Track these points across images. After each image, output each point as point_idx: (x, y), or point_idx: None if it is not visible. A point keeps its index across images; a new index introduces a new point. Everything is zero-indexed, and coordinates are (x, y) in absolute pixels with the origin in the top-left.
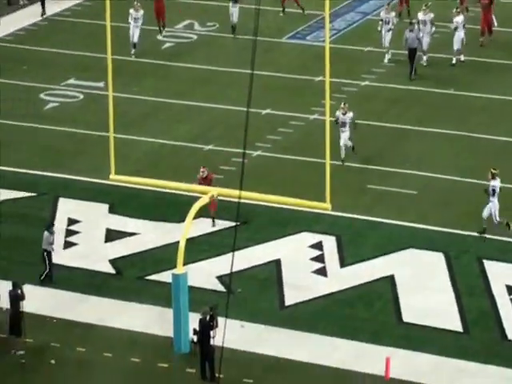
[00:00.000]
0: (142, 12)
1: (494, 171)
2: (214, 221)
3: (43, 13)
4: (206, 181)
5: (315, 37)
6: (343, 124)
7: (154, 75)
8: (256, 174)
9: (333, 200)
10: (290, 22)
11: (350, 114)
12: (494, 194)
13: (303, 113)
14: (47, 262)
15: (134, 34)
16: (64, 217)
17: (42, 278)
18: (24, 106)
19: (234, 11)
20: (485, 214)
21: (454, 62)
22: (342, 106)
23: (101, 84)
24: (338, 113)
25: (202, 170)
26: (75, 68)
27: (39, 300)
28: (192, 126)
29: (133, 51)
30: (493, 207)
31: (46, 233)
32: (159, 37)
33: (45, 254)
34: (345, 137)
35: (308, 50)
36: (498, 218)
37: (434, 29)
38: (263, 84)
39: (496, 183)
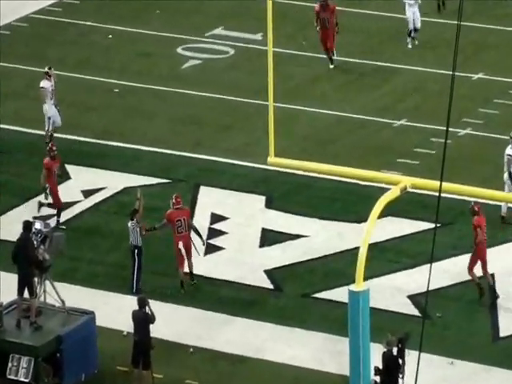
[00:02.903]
0: None
1: None
2: (182, 285)
3: None
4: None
5: None
6: None
7: None
8: (463, 159)
9: None
10: None
11: None
12: None
13: None
14: (136, 262)
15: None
16: (206, 212)
17: (135, 287)
18: (157, 64)
19: None
20: None
21: None
22: None
23: (258, 36)
24: (510, 150)
25: (176, 198)
26: (225, 14)
27: (169, 322)
28: (379, 93)
29: (409, 40)
30: None
31: (130, 223)
32: None
33: (136, 251)
34: None
35: None
36: None
37: None
38: (474, 40)
39: None
